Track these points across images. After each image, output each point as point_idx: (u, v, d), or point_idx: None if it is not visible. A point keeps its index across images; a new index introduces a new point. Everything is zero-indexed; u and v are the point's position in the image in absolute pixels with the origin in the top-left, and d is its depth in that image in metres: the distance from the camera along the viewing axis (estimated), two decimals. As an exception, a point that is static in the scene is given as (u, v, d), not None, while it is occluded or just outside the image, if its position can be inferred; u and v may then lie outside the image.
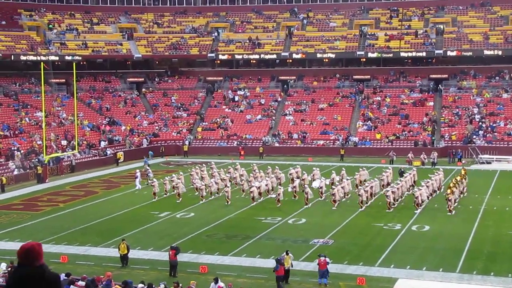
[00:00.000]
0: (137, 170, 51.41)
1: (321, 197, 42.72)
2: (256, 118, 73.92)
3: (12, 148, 57.60)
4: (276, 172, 48.33)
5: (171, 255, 27.10)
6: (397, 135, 67.43)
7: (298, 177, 47.54)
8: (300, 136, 69.23)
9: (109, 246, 31.64)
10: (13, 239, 33.20)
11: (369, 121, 70.81)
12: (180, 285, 19.99)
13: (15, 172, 53.35)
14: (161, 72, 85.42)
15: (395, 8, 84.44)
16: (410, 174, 46.58)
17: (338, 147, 65.08)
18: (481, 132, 65.91)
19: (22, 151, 57.42)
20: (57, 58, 76.70)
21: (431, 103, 73.38)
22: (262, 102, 77.12)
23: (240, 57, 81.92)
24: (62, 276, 20.15)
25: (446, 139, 65.84)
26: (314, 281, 25.91)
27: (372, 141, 67.26)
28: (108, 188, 49.16)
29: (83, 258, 29.78)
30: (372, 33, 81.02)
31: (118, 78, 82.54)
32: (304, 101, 76.21)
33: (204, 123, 74.33)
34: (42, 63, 56.88)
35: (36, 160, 55.60)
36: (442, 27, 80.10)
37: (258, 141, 69.10)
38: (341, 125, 70.88)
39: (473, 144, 63.26)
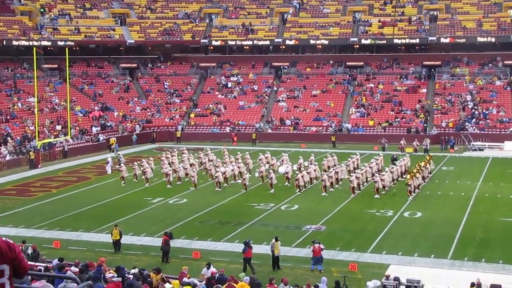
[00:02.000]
0: (109, 156, 51.54)
1: (287, 183, 43.05)
2: (250, 104, 73.86)
3: (5, 134, 57.47)
4: (245, 157, 48.75)
5: (163, 241, 27.17)
6: (390, 121, 67.51)
7: (268, 163, 47.87)
8: (293, 123, 69.24)
9: (101, 231, 31.69)
10: (6, 225, 33.18)
11: (362, 108, 70.84)
12: (162, 274, 19.81)
13: (8, 158, 53.23)
14: (154, 58, 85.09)
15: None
16: (376, 159, 46.87)
17: (331, 134, 65.14)
18: (473, 119, 66.04)
19: (19, 138, 57.23)
20: (49, 43, 76.35)
21: (424, 90, 73.44)
22: (255, 89, 77.03)
23: (233, 43, 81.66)
24: (55, 261, 20.16)
25: (443, 125, 65.85)
26: (306, 267, 26.02)
27: (365, 128, 67.33)
28: (100, 174, 49.08)
29: (76, 243, 29.82)
30: (366, 19, 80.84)
31: (110, 64, 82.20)
32: (297, 88, 76.15)
33: (197, 109, 74.23)
34: (34, 48, 56.61)
35: (29, 145, 55.48)
36: (435, 13, 79.97)
37: (251, 127, 69.10)
38: (334, 111, 70.88)
39: (466, 131, 63.42)
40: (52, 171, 51.34)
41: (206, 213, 35.74)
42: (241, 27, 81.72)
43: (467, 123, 65.32)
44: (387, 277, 22.55)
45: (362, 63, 79.97)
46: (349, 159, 47.59)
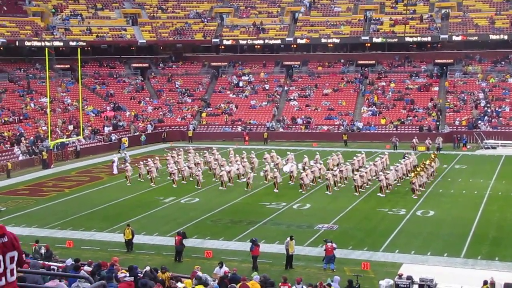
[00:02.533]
0: (115, 156, 51.73)
1: (291, 182, 43.12)
2: (262, 104, 73.81)
3: (17, 134, 57.77)
4: (251, 157, 48.93)
5: (177, 240, 27.20)
6: (402, 120, 67.30)
7: (273, 162, 47.91)
8: (304, 122, 69.15)
9: (114, 231, 31.78)
10: (19, 225, 33.35)
11: (374, 107, 70.66)
12: (170, 273, 19.78)
13: (21, 158, 53.50)
14: (166, 58, 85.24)
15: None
16: (381, 158, 46.89)
17: (342, 133, 65.01)
18: (486, 117, 65.72)
19: (31, 138, 57.47)
20: (61, 43, 76.69)
21: (436, 88, 73.16)
22: (267, 88, 77.00)
23: (244, 42, 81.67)
24: (70, 261, 20.20)
25: (456, 124, 65.53)
26: (318, 266, 25.99)
27: (376, 127, 67.15)
28: (113, 174, 49.19)
29: (89, 243, 29.92)
30: (377, 18, 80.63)
31: (122, 64, 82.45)
32: (309, 86, 76.08)
33: (208, 109, 74.30)
34: (46, 48, 56.83)
35: (41, 145, 55.73)
36: (447, 11, 79.68)
37: (263, 127, 69.08)
38: (345, 110, 70.76)
39: (478, 129, 63.14)
40: (65, 171, 51.54)
41: (218, 212, 35.75)
42: (252, 26, 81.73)
43: (479, 121, 65.02)
44: (400, 276, 22.47)
45: (374, 61, 79.79)
46: (354, 158, 47.62)
